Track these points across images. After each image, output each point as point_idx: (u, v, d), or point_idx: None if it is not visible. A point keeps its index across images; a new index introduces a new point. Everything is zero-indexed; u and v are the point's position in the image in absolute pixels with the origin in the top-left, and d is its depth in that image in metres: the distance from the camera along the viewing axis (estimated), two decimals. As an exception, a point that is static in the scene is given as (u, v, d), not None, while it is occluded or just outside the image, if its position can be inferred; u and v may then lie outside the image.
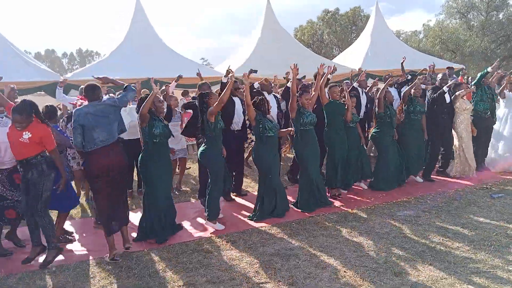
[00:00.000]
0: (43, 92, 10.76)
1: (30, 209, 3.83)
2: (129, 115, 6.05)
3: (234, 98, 6.07)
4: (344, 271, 3.63)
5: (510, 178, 6.38)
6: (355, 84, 7.30)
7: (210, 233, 4.68)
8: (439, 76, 6.85)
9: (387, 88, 6.22)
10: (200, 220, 5.19)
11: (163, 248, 4.27)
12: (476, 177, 6.64)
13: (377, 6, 17.38)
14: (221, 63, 16.34)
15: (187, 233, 4.74)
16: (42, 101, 11.43)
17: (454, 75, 10.24)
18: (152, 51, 12.29)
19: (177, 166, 6.76)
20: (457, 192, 5.92)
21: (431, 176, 6.66)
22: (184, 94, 11.71)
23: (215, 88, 10.71)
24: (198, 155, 5.02)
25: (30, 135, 3.76)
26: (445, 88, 6.47)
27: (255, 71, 7.68)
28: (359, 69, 11.01)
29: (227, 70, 6.49)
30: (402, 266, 3.68)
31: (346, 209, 5.36)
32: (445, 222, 4.73)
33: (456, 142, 6.74)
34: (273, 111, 6.12)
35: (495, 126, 7.20)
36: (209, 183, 4.88)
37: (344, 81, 7.94)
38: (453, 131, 6.73)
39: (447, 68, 10.92)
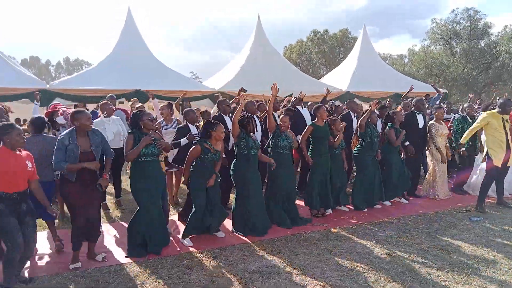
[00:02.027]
0: (27, 99, 10.60)
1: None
2: (113, 124, 6.02)
3: (225, 117, 6.11)
4: (325, 291, 3.62)
5: (488, 202, 6.50)
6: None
7: (191, 248, 4.62)
8: (413, 101, 7.04)
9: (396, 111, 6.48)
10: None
11: (142, 263, 4.19)
12: (453, 200, 6.77)
13: (364, 29, 17.81)
14: (211, 77, 16.43)
15: (169, 248, 4.66)
16: (25, 109, 11.30)
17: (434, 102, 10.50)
18: (140, 63, 12.29)
19: (172, 179, 6.70)
20: (438, 214, 6.00)
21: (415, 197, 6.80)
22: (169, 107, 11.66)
23: (200, 103, 10.77)
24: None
25: (31, 164, 3.64)
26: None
27: (245, 91, 7.79)
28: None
29: (240, 89, 6.61)
30: (382, 286, 3.69)
31: (328, 228, 5.37)
32: (425, 243, 4.78)
33: (430, 164, 6.91)
34: (258, 133, 6.18)
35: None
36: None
37: (334, 103, 8.04)
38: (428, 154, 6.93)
39: (424, 96, 11.21)
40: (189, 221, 4.79)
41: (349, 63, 17.57)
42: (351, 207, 6.27)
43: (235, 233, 5.14)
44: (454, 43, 30.87)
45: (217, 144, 4.84)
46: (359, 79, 15.31)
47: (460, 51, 30.28)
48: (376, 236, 5.05)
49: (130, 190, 4.55)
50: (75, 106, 9.40)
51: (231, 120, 5.97)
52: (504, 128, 6.02)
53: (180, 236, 4.90)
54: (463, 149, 6.83)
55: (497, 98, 8.71)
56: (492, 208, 6.27)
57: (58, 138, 3.98)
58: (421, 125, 6.80)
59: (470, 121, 7.13)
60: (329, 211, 6.03)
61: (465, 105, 7.70)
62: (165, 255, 4.39)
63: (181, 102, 8.86)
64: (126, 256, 4.36)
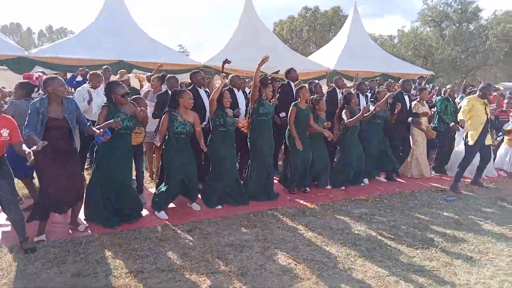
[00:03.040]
0: (5, 67, 10.28)
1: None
2: (98, 96, 5.89)
3: (200, 90, 5.95)
4: (295, 264, 3.67)
5: (464, 183, 6.62)
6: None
7: (166, 221, 4.61)
8: (400, 82, 7.04)
9: (353, 92, 6.41)
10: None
11: (114, 234, 4.18)
12: (432, 180, 6.88)
13: (355, 8, 17.57)
14: (198, 51, 16.14)
15: (144, 220, 4.65)
16: (3, 75, 10.96)
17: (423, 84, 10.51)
18: (124, 33, 11.95)
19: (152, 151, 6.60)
20: (414, 193, 6.10)
21: (393, 176, 6.86)
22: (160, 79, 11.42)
23: (185, 76, 10.57)
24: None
25: (8, 131, 3.54)
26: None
27: (229, 62, 7.64)
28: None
29: (223, 61, 6.48)
30: (352, 262, 3.76)
31: (305, 203, 5.42)
32: (398, 221, 4.86)
33: (411, 145, 6.98)
34: (242, 106, 6.12)
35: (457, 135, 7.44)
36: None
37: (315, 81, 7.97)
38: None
39: (418, 77, 11.21)
40: (162, 195, 4.78)
41: (338, 41, 17.40)
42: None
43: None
44: (444, 26, 30.80)
45: (187, 114, 4.74)
46: (347, 58, 15.20)
47: (449, 34, 30.27)
48: (351, 213, 5.12)
49: (95, 163, 4.47)
50: (55, 75, 9.15)
51: (205, 93, 5.91)
52: (485, 111, 6.09)
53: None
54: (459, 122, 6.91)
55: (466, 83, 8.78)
56: (467, 189, 6.39)
57: (31, 103, 3.87)
58: (408, 105, 6.81)
59: (452, 102, 7.19)
60: (307, 189, 6.07)
61: (448, 86, 7.74)
62: (138, 227, 4.38)
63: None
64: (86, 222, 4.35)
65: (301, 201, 5.51)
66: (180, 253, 3.81)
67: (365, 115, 6.05)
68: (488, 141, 6.28)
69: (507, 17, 27.55)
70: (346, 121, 6.03)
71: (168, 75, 6.20)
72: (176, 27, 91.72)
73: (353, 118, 5.98)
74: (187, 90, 4.84)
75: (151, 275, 3.39)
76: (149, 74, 8.31)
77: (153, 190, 5.68)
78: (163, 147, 4.78)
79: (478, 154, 6.34)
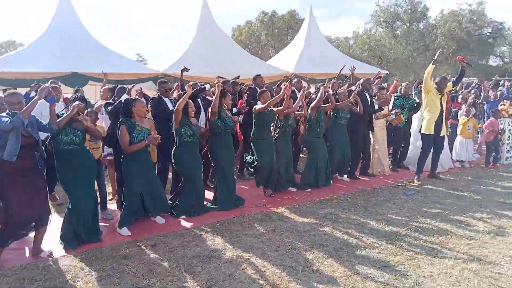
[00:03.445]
0: None
1: None
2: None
3: (165, 99, 5.86)
4: (264, 271, 3.64)
5: (422, 177, 6.86)
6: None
7: (128, 238, 4.45)
8: (361, 81, 7.22)
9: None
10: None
11: (74, 256, 3.98)
12: (392, 176, 7.09)
13: (310, 11, 17.91)
14: (156, 60, 15.85)
15: (104, 238, 4.46)
16: None
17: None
18: (77, 43, 11.54)
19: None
20: (375, 190, 6.26)
21: (356, 174, 7.00)
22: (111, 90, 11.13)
23: (143, 86, 10.33)
24: None
25: None
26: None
27: (187, 70, 7.56)
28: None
29: (182, 69, 6.51)
30: (320, 263, 3.78)
31: (271, 208, 5.42)
32: (362, 219, 4.95)
33: (372, 142, 7.17)
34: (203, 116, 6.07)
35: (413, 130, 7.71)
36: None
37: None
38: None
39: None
40: (123, 211, 4.62)
41: (296, 45, 17.66)
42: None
43: (178, 218, 5.04)
44: (396, 26, 32.04)
45: (143, 122, 4.61)
46: (306, 61, 15.45)
47: (401, 34, 31.50)
48: (316, 214, 5.16)
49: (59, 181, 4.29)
50: (4, 90, 8.68)
51: (171, 102, 5.80)
52: (441, 103, 6.37)
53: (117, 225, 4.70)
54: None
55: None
56: (425, 182, 6.63)
57: None
58: (369, 103, 6.96)
59: (407, 99, 7.44)
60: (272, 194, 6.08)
61: (403, 84, 8.03)
62: (99, 246, 4.20)
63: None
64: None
65: (267, 206, 5.50)
66: (145, 270, 3.68)
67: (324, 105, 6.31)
68: (443, 132, 6.57)
69: (453, 16, 29.05)
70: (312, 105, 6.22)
71: (118, 86, 6.04)
72: (133, 36, 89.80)
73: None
74: (140, 99, 4.70)
75: (115, 296, 3.26)
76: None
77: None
78: (122, 159, 4.62)
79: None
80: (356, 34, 35.03)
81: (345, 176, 6.92)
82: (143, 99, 4.78)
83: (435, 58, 6.66)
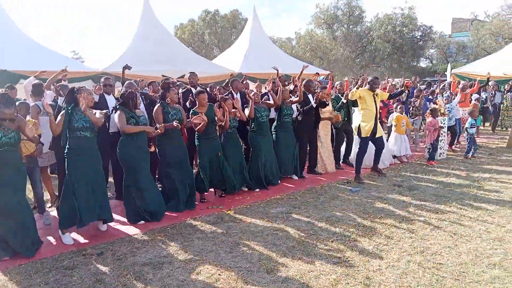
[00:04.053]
0: None
1: None
2: None
3: (107, 96, 5.65)
4: (219, 274, 3.59)
5: (365, 173, 7.17)
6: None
7: (71, 247, 4.18)
8: (304, 82, 7.38)
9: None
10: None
11: (10, 270, 3.66)
12: (338, 173, 7.34)
13: (254, 11, 18.04)
14: (94, 58, 15.09)
15: (45, 248, 4.15)
16: None
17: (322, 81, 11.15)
18: (6, 39, 10.64)
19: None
20: (323, 187, 6.43)
21: (303, 174, 7.13)
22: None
23: (82, 85, 9.79)
24: None
25: None
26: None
27: (129, 68, 7.26)
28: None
29: (123, 67, 6.25)
30: (274, 262, 3.80)
31: (223, 209, 5.36)
32: (312, 216, 5.06)
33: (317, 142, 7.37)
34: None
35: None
36: None
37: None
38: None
39: (315, 74, 11.86)
40: (61, 213, 4.31)
41: (240, 44, 17.70)
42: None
43: (130, 224, 4.82)
44: (335, 28, 33.26)
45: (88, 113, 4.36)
46: (251, 61, 15.53)
47: (340, 35, 32.77)
48: (268, 213, 5.19)
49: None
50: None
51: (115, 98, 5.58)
52: (375, 102, 6.68)
53: (59, 232, 4.39)
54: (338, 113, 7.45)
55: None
56: (369, 178, 6.93)
57: None
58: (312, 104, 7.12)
59: (342, 98, 7.69)
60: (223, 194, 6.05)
61: (337, 83, 8.34)
62: (40, 258, 3.90)
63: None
64: None
65: (219, 207, 5.44)
66: (92, 281, 3.47)
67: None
68: (380, 133, 6.89)
69: (387, 20, 30.76)
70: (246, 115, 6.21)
71: (58, 84, 5.68)
72: (68, 33, 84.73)
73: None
74: (86, 88, 4.46)
75: (60, 311, 3.03)
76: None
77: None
78: (65, 151, 4.30)
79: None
80: (298, 35, 35.88)
81: (294, 175, 7.04)
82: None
83: (359, 84, 7.29)
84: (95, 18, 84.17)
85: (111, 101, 5.74)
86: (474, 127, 8.64)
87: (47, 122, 5.11)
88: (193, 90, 6.56)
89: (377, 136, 6.84)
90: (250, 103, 6.20)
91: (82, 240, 4.38)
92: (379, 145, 7.01)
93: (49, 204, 5.63)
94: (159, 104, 5.27)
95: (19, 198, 3.97)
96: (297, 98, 6.82)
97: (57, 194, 5.53)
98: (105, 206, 4.53)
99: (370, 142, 6.89)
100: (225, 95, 6.18)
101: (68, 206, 4.24)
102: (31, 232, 4.05)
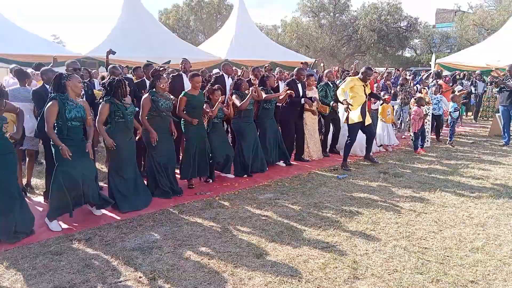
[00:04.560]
0: None
1: None
2: None
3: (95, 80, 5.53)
4: (208, 259, 3.60)
5: (352, 160, 7.26)
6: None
7: (58, 233, 4.12)
8: (294, 71, 7.38)
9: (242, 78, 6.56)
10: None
11: (-4, 255, 3.60)
12: (324, 160, 7.41)
13: (240, -2, 17.80)
14: (75, 42, 14.76)
15: (32, 236, 4.08)
16: None
17: (309, 69, 11.13)
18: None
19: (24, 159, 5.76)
20: (310, 174, 6.49)
21: (290, 161, 7.16)
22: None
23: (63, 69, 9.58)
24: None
25: None
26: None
27: (114, 53, 7.13)
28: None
29: (107, 51, 6.06)
30: (263, 247, 3.83)
31: (211, 196, 5.36)
32: (300, 202, 5.11)
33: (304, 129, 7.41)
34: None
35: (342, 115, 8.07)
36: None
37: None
38: None
39: (302, 63, 11.83)
40: (51, 202, 4.24)
41: (226, 31, 17.54)
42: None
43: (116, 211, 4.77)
44: (321, 16, 33.18)
45: (77, 101, 4.27)
46: (237, 48, 15.43)
47: (326, 24, 32.73)
48: (256, 199, 5.22)
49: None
50: None
51: (99, 84, 5.45)
52: (365, 92, 6.72)
53: (46, 220, 4.32)
54: (334, 104, 7.40)
55: (358, 67, 9.57)
56: (355, 166, 7.02)
57: None
58: (301, 93, 7.13)
59: (331, 85, 7.72)
60: (210, 180, 6.05)
61: (325, 71, 8.35)
62: (27, 243, 3.84)
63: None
64: None
65: (207, 193, 5.44)
66: (81, 265, 3.44)
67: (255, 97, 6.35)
68: (368, 121, 6.95)
69: (373, 9, 30.83)
70: (238, 105, 6.15)
71: (43, 68, 5.51)
72: (48, 16, 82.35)
73: (244, 100, 6.16)
74: (75, 75, 4.33)
75: (48, 296, 3.00)
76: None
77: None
78: (51, 142, 4.20)
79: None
80: (284, 22, 35.69)
81: (281, 161, 7.07)
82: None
83: (352, 72, 7.24)
84: (76, 1, 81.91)
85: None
86: (458, 111, 8.83)
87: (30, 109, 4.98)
88: (184, 76, 6.50)
89: (366, 124, 6.89)
90: (247, 97, 6.15)
91: (68, 225, 4.32)
92: (370, 133, 7.08)
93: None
94: (148, 93, 5.19)
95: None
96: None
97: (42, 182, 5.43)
98: (95, 192, 4.47)
99: (360, 131, 6.94)
100: (213, 87, 6.09)
101: (59, 197, 4.16)
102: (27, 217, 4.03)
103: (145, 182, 5.30)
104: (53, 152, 4.18)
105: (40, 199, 5.21)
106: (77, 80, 4.22)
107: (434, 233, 4.17)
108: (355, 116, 6.68)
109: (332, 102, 7.33)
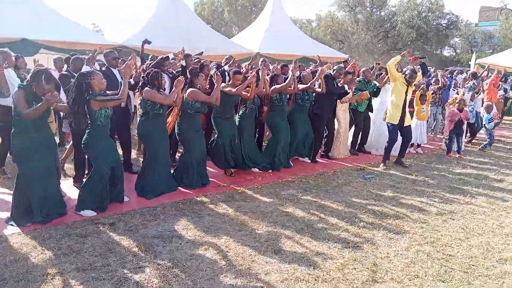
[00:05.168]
0: None
1: None
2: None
3: (114, 70, 5.62)
4: (227, 251, 3.62)
5: (378, 160, 7.08)
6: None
7: (86, 216, 4.27)
8: (335, 67, 7.28)
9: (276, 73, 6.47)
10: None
11: (27, 233, 3.77)
12: (352, 159, 7.27)
13: (275, -11, 17.65)
14: (113, 31, 15.10)
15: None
16: None
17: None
18: (27, 7, 10.69)
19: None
20: (336, 173, 6.39)
21: (316, 158, 7.08)
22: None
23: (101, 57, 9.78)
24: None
25: None
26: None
27: (149, 42, 7.23)
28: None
29: (143, 41, 6.20)
30: (282, 243, 3.82)
31: (234, 188, 5.39)
32: (323, 200, 5.05)
33: (336, 126, 7.28)
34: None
35: (372, 115, 7.89)
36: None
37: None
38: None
39: (343, 61, 11.58)
40: (83, 193, 4.38)
41: (260, 24, 17.42)
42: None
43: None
44: (358, 11, 32.44)
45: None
46: (270, 41, 15.31)
47: (362, 19, 31.98)
48: (279, 195, 5.20)
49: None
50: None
51: (119, 73, 5.54)
52: (406, 92, 6.52)
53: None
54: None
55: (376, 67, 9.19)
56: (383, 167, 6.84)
57: None
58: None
59: (368, 83, 7.54)
60: (256, 169, 6.18)
61: (362, 69, 8.16)
62: (54, 224, 4.00)
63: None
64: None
65: (230, 186, 5.47)
66: (103, 249, 3.55)
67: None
68: (408, 121, 6.74)
69: (412, 5, 29.82)
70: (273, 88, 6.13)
71: (74, 56, 5.69)
72: (89, 5, 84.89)
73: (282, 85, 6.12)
74: (97, 72, 4.45)
75: (71, 276, 3.11)
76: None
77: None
78: (86, 137, 4.33)
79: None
80: (319, 16, 35.16)
81: (307, 158, 7.01)
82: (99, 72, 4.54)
83: (404, 53, 6.96)
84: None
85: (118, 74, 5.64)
86: (492, 122, 8.41)
87: None
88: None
89: (405, 125, 6.70)
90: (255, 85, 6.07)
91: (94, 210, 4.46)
92: (406, 136, 6.84)
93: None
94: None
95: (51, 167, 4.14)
96: (320, 90, 6.64)
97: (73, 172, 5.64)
98: (121, 189, 4.69)
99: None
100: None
101: (94, 190, 4.37)
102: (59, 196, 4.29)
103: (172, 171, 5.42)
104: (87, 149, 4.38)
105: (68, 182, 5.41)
106: (100, 77, 4.31)
107: (460, 240, 4.02)
108: (394, 115, 6.52)
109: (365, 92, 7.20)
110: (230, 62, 7.28)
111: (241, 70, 6.53)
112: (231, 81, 5.77)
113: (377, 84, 7.54)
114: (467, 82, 9.76)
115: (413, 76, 6.50)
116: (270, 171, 6.26)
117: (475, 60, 16.10)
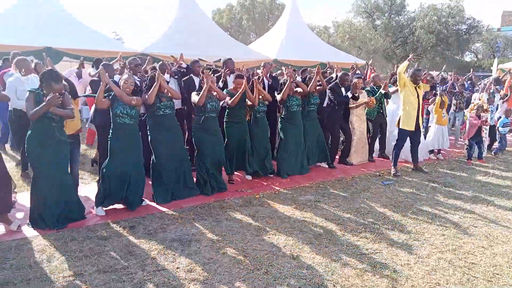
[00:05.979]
0: None
1: None
2: (33, 83, 5.35)
3: (135, 78, 5.80)
4: (244, 256, 3.63)
5: (405, 166, 6.98)
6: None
7: (105, 219, 4.35)
8: (340, 74, 7.21)
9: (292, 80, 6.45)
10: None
11: (49, 236, 3.86)
12: (370, 165, 7.19)
13: (292, -3, 17.72)
14: (133, 40, 15.43)
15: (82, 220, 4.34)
16: None
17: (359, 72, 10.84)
18: (50, 17, 11.05)
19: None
20: (354, 179, 6.33)
21: (334, 164, 7.03)
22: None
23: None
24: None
25: None
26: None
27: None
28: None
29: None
30: (300, 249, 3.80)
31: (251, 193, 5.40)
32: (341, 206, 5.01)
33: (352, 133, 7.22)
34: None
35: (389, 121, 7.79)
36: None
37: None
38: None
39: (351, 67, 11.51)
40: (98, 190, 4.53)
41: (277, 31, 17.52)
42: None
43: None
44: (376, 17, 32.24)
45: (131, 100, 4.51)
46: (287, 47, 15.37)
47: (380, 25, 31.75)
48: (296, 200, 5.18)
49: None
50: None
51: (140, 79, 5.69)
52: (417, 96, 6.43)
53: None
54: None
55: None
56: (402, 172, 6.75)
57: None
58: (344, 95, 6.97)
59: (377, 90, 7.46)
60: (248, 177, 6.09)
61: (373, 75, 8.08)
62: (76, 227, 4.09)
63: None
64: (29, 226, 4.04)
65: (248, 191, 5.49)
66: (123, 252, 3.61)
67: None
68: (419, 126, 6.64)
69: (432, 10, 29.45)
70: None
71: (104, 62, 5.87)
72: (110, 14, 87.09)
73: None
74: (129, 74, 4.64)
75: (92, 278, 3.17)
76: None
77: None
78: (110, 135, 4.48)
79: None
80: (336, 23, 35.08)
81: (324, 163, 6.96)
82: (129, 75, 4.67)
83: (410, 57, 6.92)
84: (136, 1, 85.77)
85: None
86: (507, 127, 8.20)
87: None
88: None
89: (415, 130, 6.61)
90: (254, 91, 5.96)
91: (115, 213, 4.54)
92: (415, 140, 6.77)
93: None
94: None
95: (65, 171, 4.22)
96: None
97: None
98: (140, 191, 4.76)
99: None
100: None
101: (104, 188, 4.50)
102: (76, 200, 4.37)
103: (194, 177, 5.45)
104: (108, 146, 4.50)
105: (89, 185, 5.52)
106: (131, 80, 4.47)
107: (483, 248, 3.92)
108: (408, 121, 6.44)
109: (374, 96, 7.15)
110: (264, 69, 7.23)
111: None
112: (233, 85, 5.79)
113: (382, 91, 7.38)
114: (490, 88, 9.55)
115: (417, 74, 6.44)
116: (287, 177, 6.23)
117: (497, 65, 15.77)
